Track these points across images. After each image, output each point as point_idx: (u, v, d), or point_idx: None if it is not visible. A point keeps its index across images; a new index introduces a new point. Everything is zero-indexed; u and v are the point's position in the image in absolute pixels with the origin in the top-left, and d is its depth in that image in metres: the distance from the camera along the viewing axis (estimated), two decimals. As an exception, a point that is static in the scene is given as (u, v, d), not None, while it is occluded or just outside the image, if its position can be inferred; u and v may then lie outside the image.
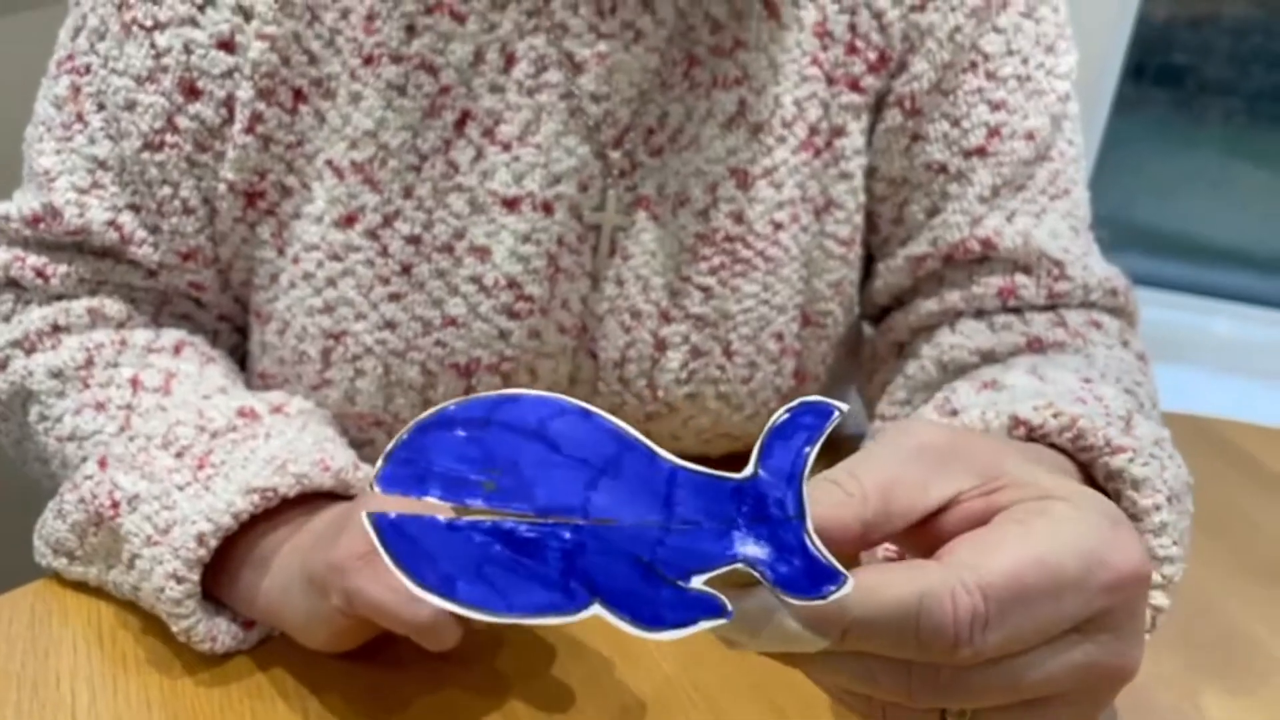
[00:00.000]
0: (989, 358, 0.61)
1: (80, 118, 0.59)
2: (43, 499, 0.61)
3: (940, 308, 0.64)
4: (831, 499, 0.33)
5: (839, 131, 0.62)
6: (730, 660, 0.54)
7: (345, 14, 0.58)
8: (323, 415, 0.60)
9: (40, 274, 0.60)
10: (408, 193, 0.59)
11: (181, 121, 0.58)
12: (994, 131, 0.61)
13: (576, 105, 0.59)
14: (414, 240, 0.59)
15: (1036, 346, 0.61)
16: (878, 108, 0.63)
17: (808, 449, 0.32)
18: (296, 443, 0.54)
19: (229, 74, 0.57)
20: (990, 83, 0.62)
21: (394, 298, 0.60)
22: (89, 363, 0.59)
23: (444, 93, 0.58)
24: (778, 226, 0.62)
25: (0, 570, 0.63)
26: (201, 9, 0.57)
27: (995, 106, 0.62)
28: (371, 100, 0.58)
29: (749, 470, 0.32)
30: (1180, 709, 0.53)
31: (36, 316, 0.60)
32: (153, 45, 0.57)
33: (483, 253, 0.60)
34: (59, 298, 0.61)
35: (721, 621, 0.30)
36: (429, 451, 0.31)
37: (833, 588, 0.30)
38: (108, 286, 0.62)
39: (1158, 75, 2.01)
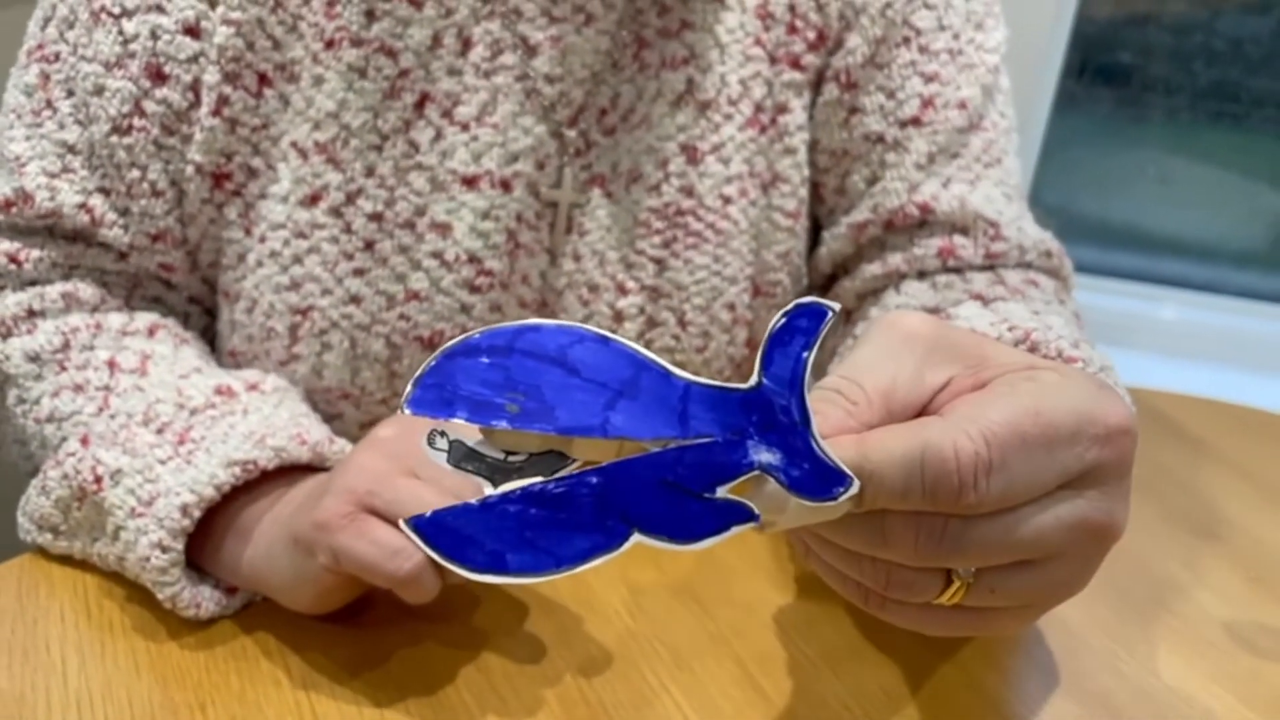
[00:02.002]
0: (942, 311, 0.64)
1: (50, 104, 0.61)
2: (20, 480, 0.63)
3: (884, 270, 0.67)
4: (837, 412, 0.35)
5: (782, 108, 0.65)
6: (692, 615, 0.57)
7: (328, 4, 0.60)
8: (297, 393, 0.63)
9: (13, 259, 0.62)
10: (370, 172, 0.61)
11: (149, 106, 0.60)
12: (928, 102, 0.64)
13: (532, 87, 0.61)
14: (376, 217, 0.62)
15: (980, 302, 0.64)
16: (817, 84, 0.66)
17: (805, 354, 0.34)
18: (273, 418, 0.57)
19: (195, 59, 0.59)
20: (923, 56, 0.65)
21: (358, 273, 0.62)
22: (65, 346, 0.61)
23: (403, 75, 0.61)
24: (726, 200, 0.65)
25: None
26: (158, 11, 0.59)
27: (928, 78, 0.65)
28: (333, 83, 0.60)
29: (754, 380, 0.34)
30: (1111, 651, 0.56)
31: (11, 302, 0.62)
32: (120, 32, 0.59)
33: (444, 229, 0.62)
34: (33, 283, 0.63)
35: (751, 524, 0.32)
36: (455, 376, 0.33)
37: (840, 489, 0.33)
38: (80, 270, 0.64)
39: (1101, 73, 2.06)
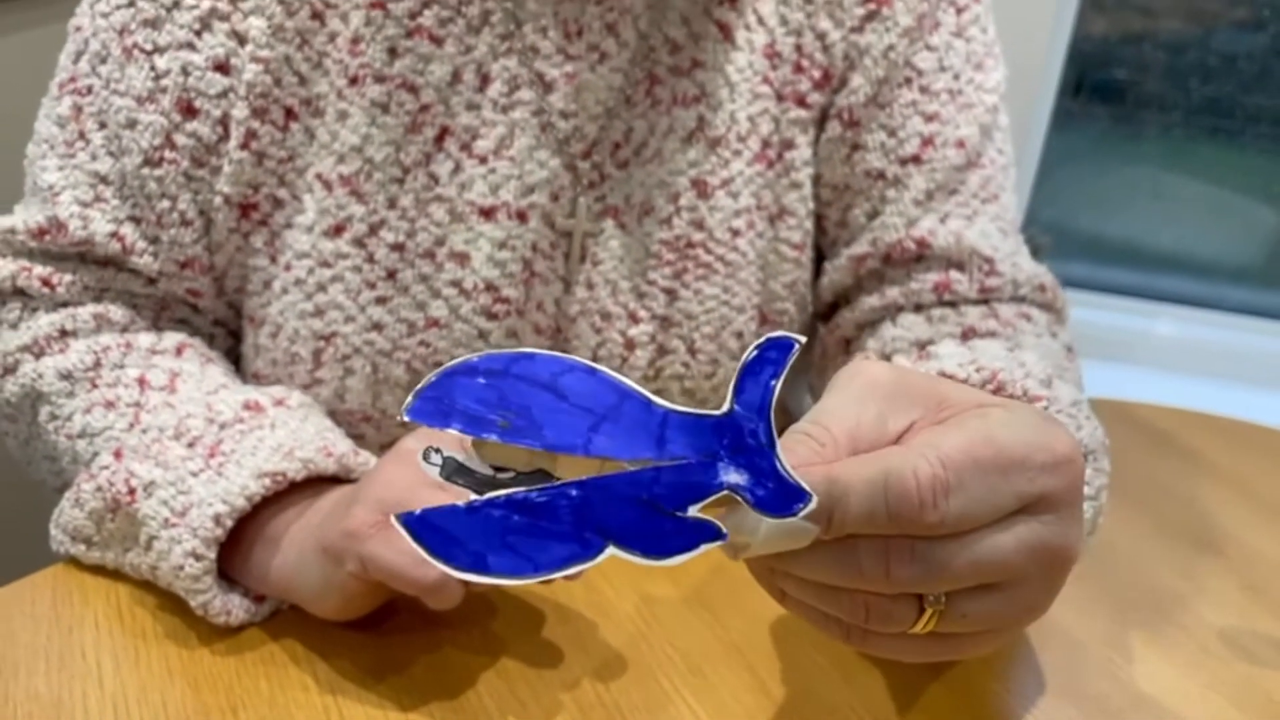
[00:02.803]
0: (927, 347, 0.66)
1: (82, 135, 0.63)
2: (48, 495, 0.64)
3: (882, 303, 0.69)
4: (806, 450, 0.38)
5: (789, 144, 0.67)
6: (705, 624, 0.59)
7: (332, 38, 0.62)
8: (321, 408, 0.65)
9: (46, 283, 0.64)
10: (392, 203, 0.63)
11: (179, 139, 0.62)
12: (928, 141, 0.67)
13: (547, 121, 0.63)
14: (398, 248, 0.64)
15: (970, 336, 0.65)
16: (822, 121, 0.68)
17: (773, 382, 0.36)
18: (300, 432, 0.59)
19: (224, 94, 0.62)
20: (923, 96, 0.67)
21: (380, 301, 0.64)
22: (97, 364, 0.63)
23: (424, 110, 0.63)
24: (735, 233, 0.67)
25: (9, 561, 0.67)
26: (199, 34, 0.61)
27: (929, 118, 0.67)
28: (357, 118, 0.62)
29: (726, 406, 0.36)
30: (1109, 658, 0.58)
31: (44, 323, 0.64)
32: (153, 68, 0.61)
33: (462, 258, 0.64)
34: (65, 305, 0.65)
35: (719, 543, 0.35)
36: (453, 392, 0.35)
37: (800, 505, 0.35)
38: (110, 293, 0.66)
39: (1097, 91, 2.09)
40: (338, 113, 0.63)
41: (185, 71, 0.61)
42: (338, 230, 0.63)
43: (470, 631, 0.57)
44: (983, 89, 0.68)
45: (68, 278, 0.64)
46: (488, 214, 0.64)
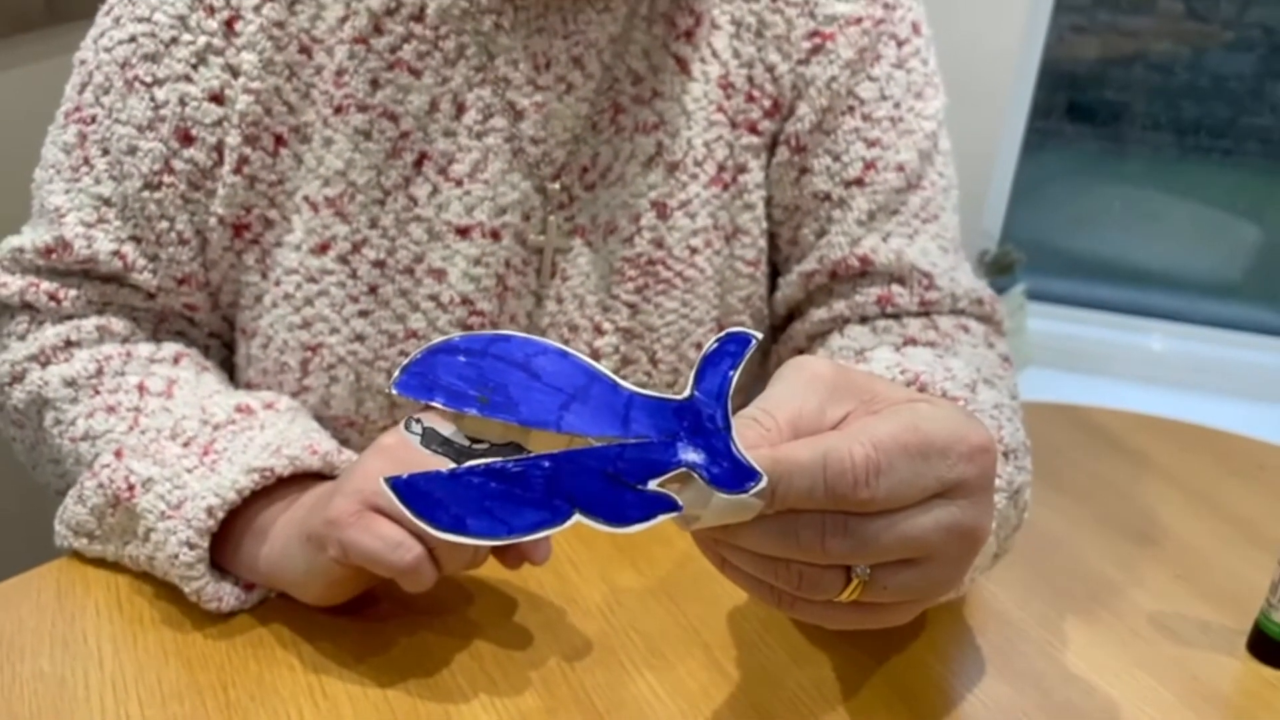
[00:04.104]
0: (864, 353, 0.70)
1: (87, 161, 0.68)
2: (49, 499, 0.69)
3: (829, 315, 0.73)
4: (754, 434, 0.41)
5: (742, 168, 0.72)
6: (665, 610, 0.63)
7: (319, 70, 0.66)
8: (308, 412, 0.69)
9: (53, 297, 0.69)
10: (373, 223, 0.68)
11: (177, 164, 0.66)
12: (870, 165, 0.71)
13: (519, 147, 0.68)
14: (379, 264, 0.68)
15: (911, 345, 0.69)
16: (772, 146, 0.73)
17: (731, 372, 0.40)
18: (288, 432, 0.63)
19: (219, 123, 0.66)
20: (865, 123, 0.71)
21: (363, 314, 0.69)
22: (99, 372, 0.67)
23: (404, 137, 0.67)
24: (693, 251, 0.71)
25: (16, 556, 0.71)
26: (195, 68, 0.65)
27: (870, 143, 0.71)
28: (341, 144, 0.67)
29: (687, 392, 0.40)
30: (1046, 640, 0.62)
31: (50, 334, 0.68)
32: (152, 99, 0.66)
33: (439, 274, 0.68)
34: (69, 317, 0.69)
35: (673, 514, 0.38)
36: (436, 369, 0.39)
37: (752, 484, 0.38)
38: (113, 307, 0.70)
39: (1090, 112, 2.13)
40: (324, 139, 0.67)
41: (183, 102, 0.66)
42: (323, 248, 0.68)
43: (446, 618, 0.61)
44: (922, 116, 0.72)
45: (72, 292, 0.69)
46: (463, 233, 0.68)
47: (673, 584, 0.65)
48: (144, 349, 0.70)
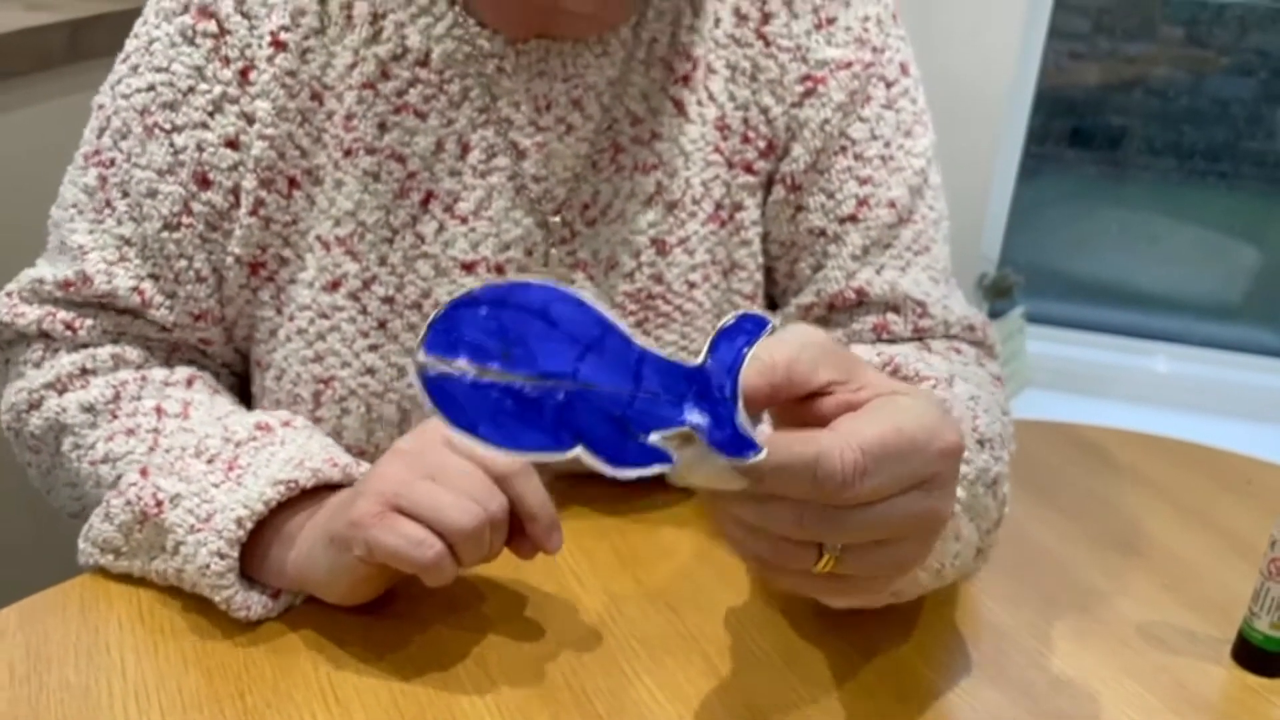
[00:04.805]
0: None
1: (109, 204, 0.70)
2: (63, 522, 0.71)
3: None
4: (753, 368, 0.44)
5: (738, 206, 0.74)
6: (664, 618, 0.65)
7: (329, 115, 0.69)
8: (321, 430, 0.72)
9: (69, 326, 0.71)
10: (382, 261, 0.70)
11: (196, 207, 0.69)
12: (862, 202, 0.74)
13: (521, 184, 0.70)
14: (388, 300, 0.71)
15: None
16: (768, 185, 0.75)
17: (745, 349, 0.43)
18: (308, 446, 0.66)
19: (235, 167, 0.69)
20: (857, 162, 0.74)
21: (373, 348, 0.71)
22: (116, 397, 0.70)
23: (411, 177, 0.70)
24: (691, 286, 0.74)
25: (41, 573, 0.73)
26: (211, 115, 0.68)
27: (862, 181, 0.74)
28: (351, 186, 0.70)
29: (700, 360, 0.43)
30: (1036, 649, 0.64)
31: (66, 362, 0.71)
32: (172, 144, 0.68)
33: None
34: (85, 346, 0.72)
35: (669, 466, 0.41)
36: (460, 325, 0.41)
37: (750, 454, 0.41)
38: (127, 337, 0.73)
39: (1090, 137, 2.16)
40: (334, 181, 0.70)
41: (200, 148, 0.68)
42: (335, 285, 0.70)
43: (453, 625, 0.63)
44: (912, 154, 0.75)
45: (89, 322, 0.71)
46: (469, 268, 0.71)
47: (672, 593, 0.67)
48: (158, 373, 0.72)
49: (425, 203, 0.70)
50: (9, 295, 0.73)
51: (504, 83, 0.69)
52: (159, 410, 0.69)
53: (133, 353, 0.72)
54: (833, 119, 0.73)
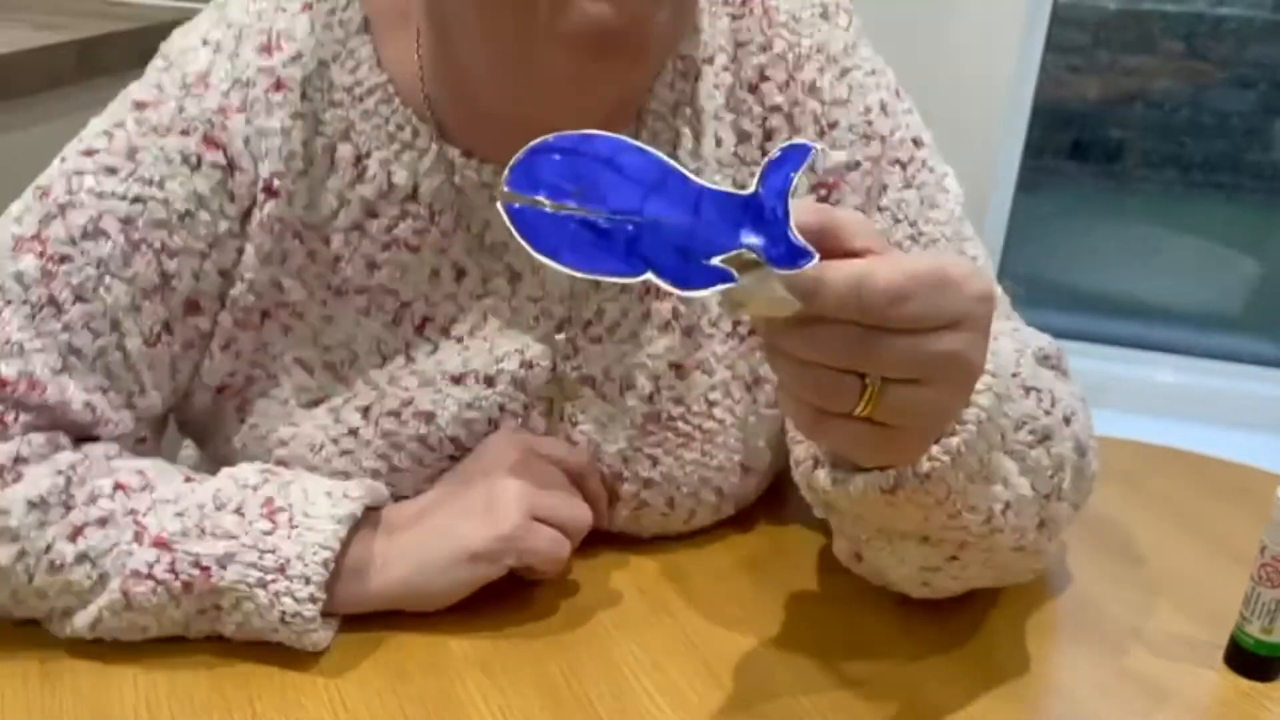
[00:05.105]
0: None
1: (54, 302, 0.63)
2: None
3: None
4: (804, 203, 0.47)
5: None
6: (665, 626, 0.66)
7: (312, 255, 0.67)
8: None
9: (0, 421, 0.63)
10: (367, 380, 0.69)
11: (178, 328, 0.67)
12: None
13: (518, 305, 0.69)
14: (364, 410, 0.69)
15: None
16: None
17: (793, 174, 0.46)
18: (323, 481, 0.65)
19: (220, 298, 0.67)
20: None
21: (344, 453, 0.69)
22: (67, 484, 0.62)
23: (404, 306, 0.68)
24: (712, 404, 0.71)
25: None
26: (211, 247, 0.66)
27: None
28: (342, 321, 0.68)
29: (753, 189, 0.46)
30: (1031, 654, 0.65)
31: None
32: (161, 266, 0.65)
33: (427, 416, 0.68)
34: (12, 437, 0.63)
35: (730, 285, 0.45)
36: (537, 168, 0.46)
37: (805, 261, 0.45)
38: (60, 425, 0.65)
39: (1090, 150, 2.17)
40: (322, 317, 0.68)
41: (196, 277, 0.66)
42: (315, 403, 0.69)
43: (459, 634, 0.65)
44: (940, 222, 0.72)
45: (24, 418, 0.63)
46: (457, 380, 0.69)
47: (670, 601, 0.68)
48: (96, 449, 0.66)
49: (420, 328, 0.69)
50: None
51: (496, 210, 0.69)
52: (120, 487, 0.64)
53: (67, 438, 0.65)
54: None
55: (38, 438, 0.63)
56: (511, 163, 0.45)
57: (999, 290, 0.74)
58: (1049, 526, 0.62)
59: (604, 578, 0.70)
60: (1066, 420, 0.62)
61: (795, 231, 0.45)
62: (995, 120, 1.59)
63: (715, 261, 0.45)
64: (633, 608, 0.68)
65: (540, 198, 0.45)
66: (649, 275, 0.44)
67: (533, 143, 0.46)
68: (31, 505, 0.61)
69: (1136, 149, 2.18)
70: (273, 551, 0.61)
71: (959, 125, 1.48)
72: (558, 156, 0.46)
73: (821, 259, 0.46)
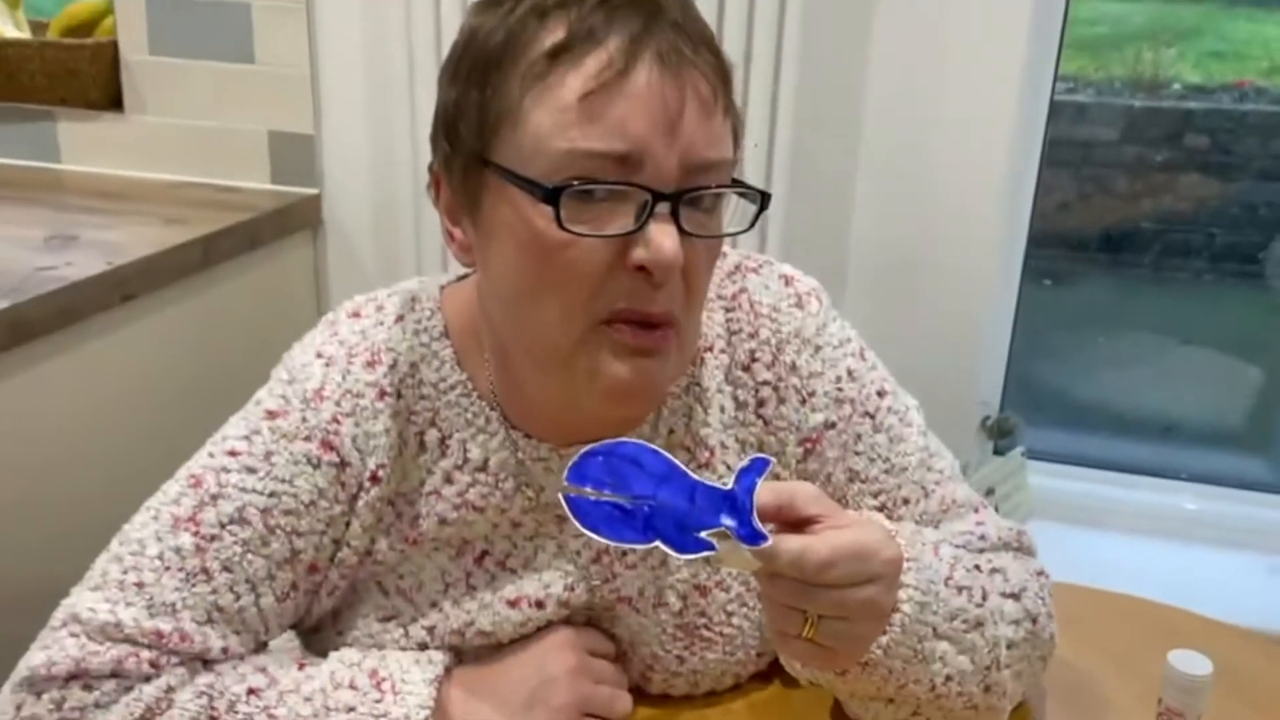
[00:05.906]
0: None
1: (205, 571, 0.77)
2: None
3: None
4: (767, 489, 0.66)
5: None
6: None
7: (399, 517, 0.83)
8: None
9: (154, 665, 0.75)
10: (434, 605, 0.84)
11: (301, 585, 0.81)
12: (880, 507, 0.86)
13: (562, 541, 0.84)
14: (430, 629, 0.83)
15: None
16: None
17: (758, 479, 0.66)
18: (401, 656, 0.81)
19: (332, 558, 0.82)
20: (866, 484, 0.86)
21: (415, 663, 0.80)
22: (211, 702, 0.75)
23: (466, 544, 0.84)
24: (730, 615, 0.87)
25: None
26: (328, 526, 0.80)
27: (875, 494, 0.86)
28: (414, 562, 0.83)
29: (730, 486, 0.66)
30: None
31: (150, 692, 0.74)
32: (291, 544, 0.79)
33: (487, 635, 0.83)
34: (164, 674, 0.76)
35: (712, 553, 0.63)
36: (585, 467, 0.66)
37: (762, 542, 0.64)
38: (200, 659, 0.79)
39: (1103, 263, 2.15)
40: (399, 555, 0.83)
41: (317, 549, 0.80)
42: (388, 619, 0.84)
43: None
44: (906, 452, 0.86)
45: (173, 660, 0.76)
46: (513, 604, 0.83)
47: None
48: (225, 664, 0.78)
49: (480, 560, 0.84)
50: (74, 636, 0.75)
51: (550, 478, 0.82)
52: (252, 691, 0.76)
53: (200, 663, 0.78)
54: (835, 472, 0.86)
55: (180, 669, 0.76)
56: (570, 463, 0.65)
57: (967, 495, 0.90)
58: (994, 690, 0.77)
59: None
60: (1015, 596, 0.79)
61: (757, 520, 0.65)
62: (991, 254, 1.60)
63: (703, 535, 0.64)
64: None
65: (587, 489, 0.65)
66: (657, 544, 0.63)
67: (583, 449, 0.66)
68: None
69: (1157, 247, 2.09)
70: (385, 716, 0.75)
71: (954, 262, 1.54)
72: (600, 458, 0.66)
73: (778, 529, 0.65)
